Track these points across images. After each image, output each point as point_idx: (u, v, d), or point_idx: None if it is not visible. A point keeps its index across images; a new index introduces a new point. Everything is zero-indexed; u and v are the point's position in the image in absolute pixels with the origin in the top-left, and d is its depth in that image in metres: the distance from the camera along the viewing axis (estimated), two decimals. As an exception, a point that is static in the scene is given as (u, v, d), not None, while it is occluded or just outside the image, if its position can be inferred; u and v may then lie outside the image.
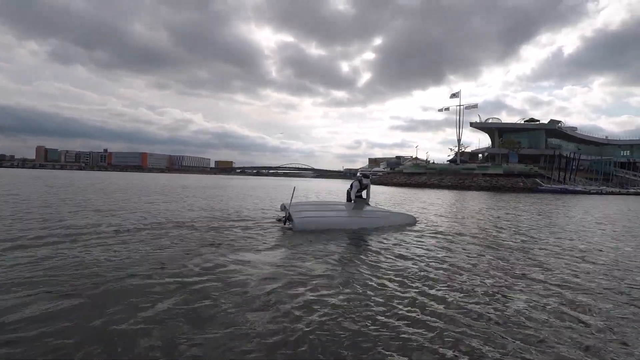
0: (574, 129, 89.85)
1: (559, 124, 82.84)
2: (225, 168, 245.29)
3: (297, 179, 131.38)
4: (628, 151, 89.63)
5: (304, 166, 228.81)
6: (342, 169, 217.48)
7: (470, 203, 19.55)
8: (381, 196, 23.45)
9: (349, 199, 8.99)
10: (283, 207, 8.19)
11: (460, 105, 74.91)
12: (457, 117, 75.48)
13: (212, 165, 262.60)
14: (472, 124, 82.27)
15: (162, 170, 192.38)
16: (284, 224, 7.36)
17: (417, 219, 9.07)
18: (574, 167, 61.75)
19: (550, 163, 63.78)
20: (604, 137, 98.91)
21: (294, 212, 7.35)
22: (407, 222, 8.39)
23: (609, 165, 71.70)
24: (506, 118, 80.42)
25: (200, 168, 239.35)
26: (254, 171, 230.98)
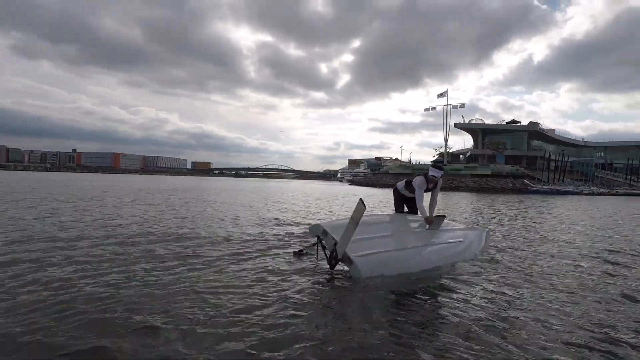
0: (552, 130, 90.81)
1: (539, 126, 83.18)
2: (202, 169, 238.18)
3: (277, 180, 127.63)
4: (602, 152, 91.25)
5: (283, 167, 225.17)
6: (322, 170, 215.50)
7: (487, 203, 16.99)
8: (371, 199, 20.60)
9: (398, 207, 5.28)
10: (319, 232, 4.16)
11: (447, 105, 73.60)
12: (444, 117, 74.14)
13: (189, 166, 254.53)
14: (456, 125, 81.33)
15: (136, 172, 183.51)
16: (330, 264, 3.90)
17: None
18: (563, 169, 61.46)
19: (532, 164, 63.72)
20: (581, 139, 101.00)
21: (343, 242, 3.65)
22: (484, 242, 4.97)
23: (590, 166, 72.20)
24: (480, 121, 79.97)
25: (177, 169, 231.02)
26: (233, 172, 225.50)
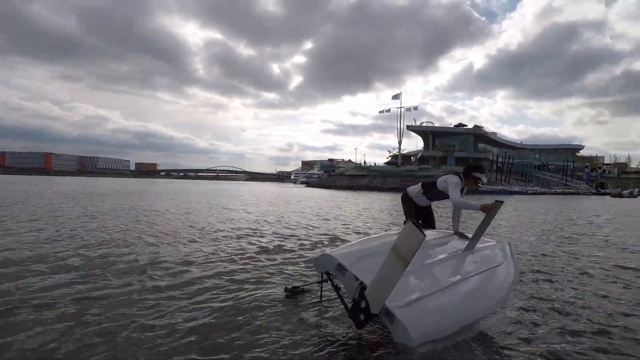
0: (494, 134, 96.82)
1: (483, 129, 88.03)
2: (148, 171, 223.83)
3: (229, 182, 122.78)
4: (538, 154, 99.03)
5: (235, 169, 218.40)
6: (275, 172, 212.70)
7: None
8: (332, 202, 19.09)
9: (417, 217, 3.86)
10: (331, 268, 2.64)
11: (401, 107, 74.87)
12: (398, 119, 75.37)
13: (133, 167, 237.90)
14: (408, 127, 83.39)
15: (71, 174, 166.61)
16: (356, 320, 2.26)
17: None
18: (508, 170, 65.11)
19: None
20: (519, 142, 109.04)
21: (379, 289, 2.11)
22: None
23: (530, 167, 77.59)
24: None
25: (119, 171, 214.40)
26: (181, 174, 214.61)
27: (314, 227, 8.49)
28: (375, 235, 3.30)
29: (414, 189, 3.89)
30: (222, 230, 7.34)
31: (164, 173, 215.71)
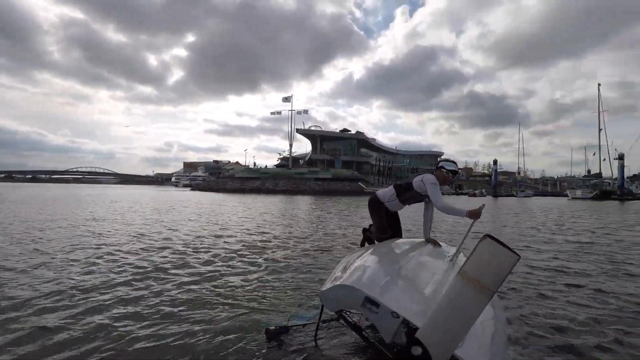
0: (374, 140, 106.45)
1: (364, 135, 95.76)
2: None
3: (94, 185, 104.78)
4: (409, 159, 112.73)
5: (102, 170, 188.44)
6: (152, 174, 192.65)
7: (353, 206, 15.85)
8: (230, 206, 17.01)
9: (388, 228, 3.33)
10: (355, 303, 1.95)
11: (292, 110, 75.25)
12: (289, 122, 75.68)
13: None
14: (298, 130, 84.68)
15: None
16: None
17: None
18: (388, 173, 71.63)
19: (360, 169, 72.68)
20: (394, 148, 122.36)
21: (444, 334, 1.43)
22: None
23: (405, 171, 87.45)
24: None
25: None
26: (28, 176, 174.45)
27: (227, 235, 6.63)
28: (382, 247, 2.83)
29: (386, 193, 3.33)
30: (124, 252, 4.91)
31: (2, 175, 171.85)
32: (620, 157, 55.41)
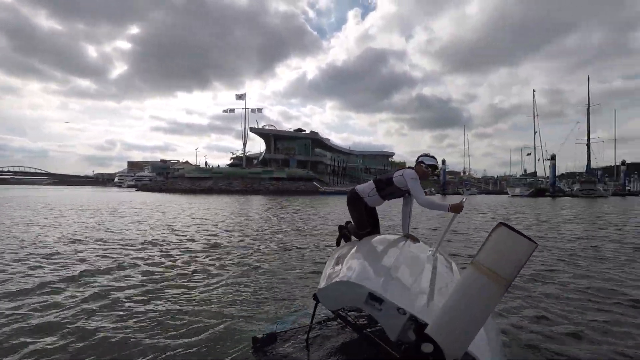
0: (328, 140, 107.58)
1: (319, 135, 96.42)
2: None
3: (25, 187, 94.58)
4: (362, 159, 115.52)
5: (33, 170, 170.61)
6: (92, 174, 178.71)
7: (309, 205, 15.70)
8: (178, 207, 16.07)
9: (367, 224, 3.26)
10: (360, 300, 1.82)
11: (246, 109, 73.56)
12: (243, 120, 73.87)
13: None
14: (252, 129, 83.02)
15: None
16: None
17: None
18: (342, 173, 72.58)
19: (315, 169, 73.07)
20: (347, 148, 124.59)
21: (454, 332, 1.37)
22: None
23: (359, 170, 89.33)
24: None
25: None
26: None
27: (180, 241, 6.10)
28: (369, 243, 2.75)
29: (365, 188, 3.27)
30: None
31: None
32: (552, 158, 60.92)
